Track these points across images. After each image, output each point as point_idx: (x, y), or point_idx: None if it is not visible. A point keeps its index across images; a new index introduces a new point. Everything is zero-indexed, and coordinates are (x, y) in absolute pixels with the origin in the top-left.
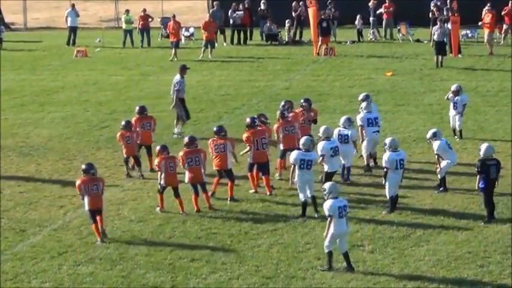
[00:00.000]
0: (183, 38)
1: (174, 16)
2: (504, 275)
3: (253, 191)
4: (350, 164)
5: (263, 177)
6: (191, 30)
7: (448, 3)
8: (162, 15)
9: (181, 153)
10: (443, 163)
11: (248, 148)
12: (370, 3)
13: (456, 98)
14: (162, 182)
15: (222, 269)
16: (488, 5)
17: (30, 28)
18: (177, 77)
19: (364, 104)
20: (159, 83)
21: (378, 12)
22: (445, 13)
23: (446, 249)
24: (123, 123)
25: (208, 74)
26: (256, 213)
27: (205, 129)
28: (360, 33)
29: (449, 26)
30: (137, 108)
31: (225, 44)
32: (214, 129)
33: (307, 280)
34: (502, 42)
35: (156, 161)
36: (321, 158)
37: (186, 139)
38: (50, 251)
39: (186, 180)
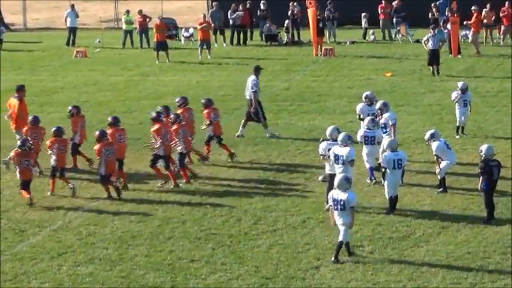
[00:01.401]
0: (182, 39)
1: (159, 17)
2: (503, 276)
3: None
4: (372, 164)
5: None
6: (191, 30)
7: (448, 4)
8: (162, 16)
9: (109, 131)
10: (443, 164)
11: (160, 141)
12: (394, 3)
13: (465, 95)
14: (53, 164)
15: (221, 270)
16: (484, 5)
17: (29, 29)
18: (252, 77)
19: (380, 105)
20: (158, 84)
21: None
22: (446, 13)
23: (445, 250)
24: (53, 129)
25: (208, 75)
26: (256, 213)
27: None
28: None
29: (448, 26)
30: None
31: (224, 44)
32: (111, 119)
33: (307, 280)
34: (502, 43)
35: (48, 143)
36: (321, 157)
37: (110, 119)
38: (49, 251)
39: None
